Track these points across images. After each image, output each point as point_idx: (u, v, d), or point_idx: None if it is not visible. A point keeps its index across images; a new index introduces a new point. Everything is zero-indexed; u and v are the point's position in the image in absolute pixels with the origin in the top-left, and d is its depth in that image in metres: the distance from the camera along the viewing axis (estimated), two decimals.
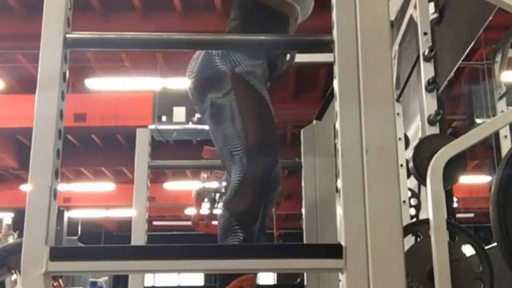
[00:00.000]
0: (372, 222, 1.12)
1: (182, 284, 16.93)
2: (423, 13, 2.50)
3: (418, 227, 1.77)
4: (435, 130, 2.30)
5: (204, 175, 8.21)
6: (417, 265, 1.68)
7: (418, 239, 1.77)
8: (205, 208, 8.17)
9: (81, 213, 15.38)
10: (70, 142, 11.39)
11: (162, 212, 15.21)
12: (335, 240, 1.27)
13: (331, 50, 1.24)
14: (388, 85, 1.20)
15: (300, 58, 2.81)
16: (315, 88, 9.41)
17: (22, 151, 11.54)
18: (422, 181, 1.82)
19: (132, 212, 2.56)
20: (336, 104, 1.21)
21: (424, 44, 2.42)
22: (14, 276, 4.29)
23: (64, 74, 1.22)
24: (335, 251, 1.12)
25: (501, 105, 4.74)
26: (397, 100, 3.01)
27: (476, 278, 1.70)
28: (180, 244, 1.16)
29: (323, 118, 2.60)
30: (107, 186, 13.86)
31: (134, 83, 9.36)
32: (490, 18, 2.18)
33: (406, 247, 1.59)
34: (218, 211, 7.46)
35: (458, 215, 5.53)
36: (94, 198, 14.19)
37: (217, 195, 8.00)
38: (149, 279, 13.85)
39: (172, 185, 13.44)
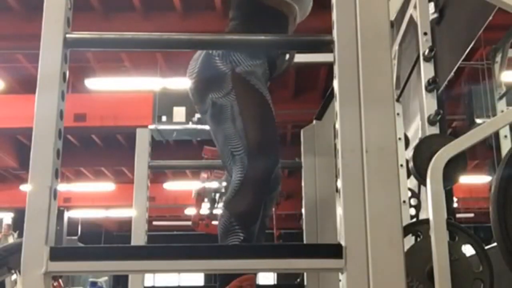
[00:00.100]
0: (372, 222, 1.13)
1: (182, 284, 16.92)
2: (423, 13, 2.50)
3: (418, 227, 1.77)
4: (435, 130, 2.30)
5: (204, 175, 8.21)
6: (417, 265, 1.68)
7: (418, 239, 1.76)
8: (205, 208, 8.17)
9: (81, 213, 15.38)
10: (70, 142, 11.39)
11: (162, 212, 15.21)
12: (335, 240, 1.27)
13: (331, 50, 1.24)
14: (388, 85, 1.20)
15: (300, 58, 2.81)
16: (315, 88, 9.41)
17: (22, 151, 11.54)
18: (422, 181, 1.82)
19: (132, 212, 2.56)
20: (336, 104, 1.21)
21: (424, 44, 2.42)
22: (14, 276, 4.29)
23: (64, 74, 1.22)
24: (335, 251, 1.12)
25: (501, 105, 4.74)
26: (397, 100, 3.01)
27: (476, 278, 1.70)
28: (180, 244, 1.16)
29: (323, 118, 2.60)
30: (107, 186, 13.86)
31: (134, 83, 9.36)
32: (490, 18, 2.18)
33: (406, 247, 1.58)
34: (218, 211, 7.46)
35: (458, 215, 5.54)
36: (94, 198, 14.19)
37: (217, 195, 8.00)
38: (149, 279, 13.85)
39: (172, 185, 13.44)
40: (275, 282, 15.02)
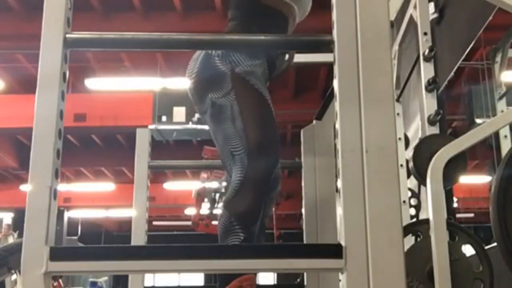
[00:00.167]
0: (372, 222, 1.13)
1: (182, 284, 16.92)
2: (423, 13, 2.50)
3: (418, 227, 1.77)
4: (435, 130, 2.30)
5: (204, 175, 8.21)
6: (417, 265, 1.68)
7: (418, 239, 1.76)
8: (205, 208, 8.17)
9: (81, 213, 15.38)
10: (70, 142, 11.39)
11: (162, 212, 15.21)
12: (335, 240, 1.27)
13: (331, 50, 1.24)
14: (388, 85, 1.20)
15: (300, 58, 2.81)
16: (315, 88, 9.41)
17: (22, 151, 11.54)
18: (422, 181, 1.82)
19: (132, 212, 2.56)
20: (336, 104, 1.21)
21: (424, 44, 2.42)
22: (14, 276, 4.29)
23: (64, 74, 1.22)
24: (335, 251, 1.12)
25: (501, 105, 4.74)
26: (397, 100, 3.01)
27: (476, 278, 1.70)
28: (180, 244, 1.16)
29: (323, 118, 2.60)
30: (107, 186, 13.86)
31: (134, 83, 9.36)
32: (490, 18, 2.18)
33: (406, 247, 1.58)
34: (218, 211, 7.46)
35: (458, 215, 5.54)
36: (94, 198, 14.19)
37: (217, 195, 8.00)
38: (149, 279, 13.85)
39: (172, 185, 13.45)
40: (275, 282, 15.02)
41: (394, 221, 1.13)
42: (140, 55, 8.84)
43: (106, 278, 12.55)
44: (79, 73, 9.07)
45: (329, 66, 1.26)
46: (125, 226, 14.95)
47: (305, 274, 2.63)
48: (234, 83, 2.01)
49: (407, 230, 1.75)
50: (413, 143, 2.71)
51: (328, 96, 2.55)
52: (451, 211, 2.22)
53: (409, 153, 2.17)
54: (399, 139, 2.76)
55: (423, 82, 2.36)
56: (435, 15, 2.66)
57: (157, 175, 12.62)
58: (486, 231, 2.83)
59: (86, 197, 14.24)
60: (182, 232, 16.09)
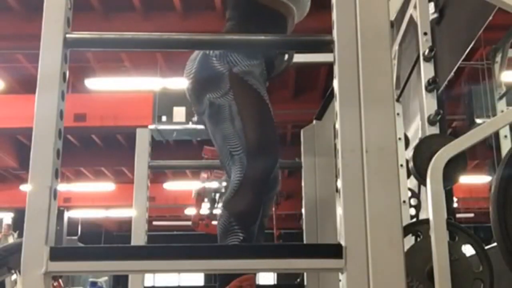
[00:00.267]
0: (372, 222, 1.13)
1: (182, 284, 16.93)
2: (423, 13, 2.50)
3: (418, 227, 1.77)
4: (435, 130, 2.30)
5: (204, 175, 8.22)
6: (417, 265, 1.68)
7: (418, 239, 1.76)
8: (205, 208, 8.17)
9: (81, 213, 15.38)
10: (70, 142, 11.39)
11: (162, 212, 15.22)
12: (335, 240, 1.27)
13: (331, 50, 1.24)
14: (388, 85, 1.20)
15: (300, 58, 2.81)
16: (315, 88, 9.41)
17: (22, 151, 11.54)
18: (422, 181, 1.82)
19: (132, 212, 2.56)
20: (336, 104, 1.21)
21: (424, 44, 2.42)
22: (14, 276, 4.29)
23: (64, 74, 1.22)
24: (335, 251, 1.12)
25: (501, 105, 4.74)
26: (397, 100, 3.01)
27: (476, 278, 1.70)
28: (180, 244, 1.16)
29: (323, 118, 2.60)
30: (107, 186, 13.86)
31: (134, 83, 9.36)
32: (490, 18, 2.18)
33: (406, 247, 1.59)
34: (218, 211, 7.46)
35: (458, 215, 5.54)
36: (94, 198, 14.19)
37: (217, 195, 8.01)
38: (149, 279, 13.85)
39: (172, 185, 13.45)
40: (275, 282, 15.02)
41: (394, 221, 1.13)
42: (140, 55, 8.84)
43: (106, 278, 12.55)
44: (79, 73, 9.07)
45: (329, 66, 1.26)
46: (125, 226, 14.95)
47: (305, 274, 2.64)
48: (232, 83, 2.01)
49: (407, 230, 1.75)
50: (413, 143, 2.71)
51: (328, 96, 2.55)
52: (451, 211, 2.22)
53: (409, 153, 2.17)
54: (399, 139, 2.76)
55: (423, 82, 2.36)
56: (435, 15, 2.66)
57: (157, 175, 12.62)
58: (486, 231, 2.83)
59: (86, 197, 14.24)
60: (182, 232, 16.09)
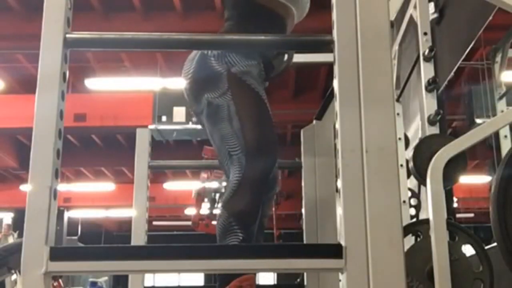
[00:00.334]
0: (372, 222, 1.12)
1: (182, 284, 16.93)
2: (423, 13, 2.50)
3: (418, 227, 1.77)
4: (435, 130, 2.30)
5: (204, 175, 8.22)
6: (417, 265, 1.68)
7: (418, 239, 1.76)
8: (205, 208, 8.18)
9: (81, 213, 15.38)
10: (70, 142, 11.39)
11: (162, 212, 15.22)
12: (335, 240, 1.27)
13: (331, 50, 1.24)
14: (388, 85, 1.20)
15: (300, 58, 2.82)
16: (315, 88, 9.41)
17: (22, 151, 11.54)
18: (422, 181, 1.82)
19: (132, 212, 2.56)
20: (336, 104, 1.21)
21: (424, 44, 2.42)
22: (14, 276, 4.29)
23: (64, 74, 1.22)
24: (335, 251, 1.12)
25: (501, 105, 4.75)
26: (397, 100, 3.01)
27: (476, 278, 1.70)
28: (180, 244, 1.16)
29: (323, 118, 2.60)
30: (107, 186, 13.86)
31: (134, 83, 9.36)
32: (490, 18, 2.18)
33: (406, 247, 1.59)
34: (218, 211, 7.46)
35: (458, 215, 5.54)
36: (94, 198, 14.19)
37: (217, 195, 8.01)
38: (149, 279, 13.85)
39: (172, 185, 13.45)
40: (275, 282, 15.03)
41: (394, 221, 1.13)
42: (140, 55, 8.84)
43: (106, 278, 12.55)
44: (79, 73, 9.07)
45: (329, 66, 1.26)
46: (125, 226, 14.95)
47: (305, 274, 2.64)
48: (230, 83, 2.01)
49: (407, 230, 1.75)
50: (413, 143, 2.71)
51: (328, 96, 2.55)
52: (451, 211, 2.22)
53: (409, 153, 2.17)
54: (399, 139, 2.76)
55: (423, 82, 2.36)
56: (435, 15, 2.66)
57: (157, 175, 12.62)
58: (486, 231, 2.83)
59: (86, 197, 14.24)
60: (182, 232, 16.09)
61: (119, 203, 13.44)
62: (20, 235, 6.22)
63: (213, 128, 2.05)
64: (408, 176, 2.60)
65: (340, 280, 1.21)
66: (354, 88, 1.19)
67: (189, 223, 8.51)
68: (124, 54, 8.76)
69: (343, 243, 1.12)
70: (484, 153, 6.19)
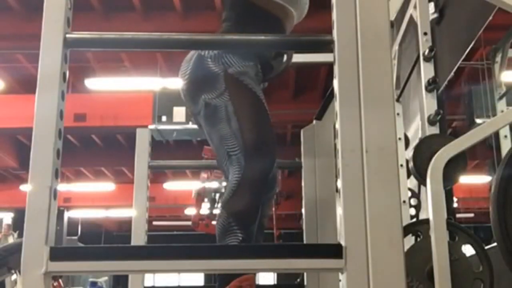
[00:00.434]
0: (372, 222, 1.12)
1: (182, 284, 16.93)
2: (423, 13, 2.50)
3: (418, 227, 1.77)
4: (435, 130, 2.30)
5: (204, 175, 8.22)
6: (417, 265, 1.68)
7: (418, 239, 1.76)
8: (205, 208, 8.18)
9: (81, 213, 15.39)
10: (70, 142, 11.39)
11: (162, 212, 15.22)
12: (335, 240, 1.27)
13: (331, 50, 1.24)
14: (388, 85, 1.20)
15: (300, 58, 2.81)
16: (315, 88, 9.42)
17: (22, 151, 11.54)
18: (422, 181, 1.82)
19: (132, 212, 2.56)
20: (336, 104, 1.21)
21: (424, 44, 2.42)
22: (14, 276, 4.29)
23: (64, 74, 1.22)
24: (335, 251, 1.12)
25: (501, 105, 4.75)
26: (397, 100, 3.01)
27: (476, 278, 1.70)
28: (180, 244, 1.16)
29: (323, 118, 2.60)
30: (107, 186, 13.86)
31: (134, 83, 9.36)
32: (490, 18, 2.18)
33: (406, 247, 1.59)
34: (218, 211, 7.46)
35: (458, 215, 5.54)
36: (94, 198, 14.20)
37: (217, 195, 8.01)
38: (149, 279, 13.85)
39: (172, 185, 13.45)
40: (275, 282, 15.03)
41: (394, 221, 1.13)
42: (140, 55, 8.84)
43: (106, 278, 12.55)
44: (79, 73, 9.07)
45: (329, 66, 1.26)
46: (125, 226, 14.96)
47: (305, 274, 2.64)
48: (228, 84, 2.00)
49: (407, 230, 1.75)
50: (413, 143, 2.71)
51: (328, 96, 2.55)
52: (451, 211, 2.22)
53: (409, 153, 2.17)
54: (399, 139, 2.76)
55: (423, 82, 2.36)
56: (435, 15, 2.66)
57: (157, 175, 12.62)
58: (486, 231, 2.83)
59: (86, 197, 14.25)
60: (182, 232, 16.09)
61: (119, 203, 13.44)
62: (20, 235, 6.22)
63: (211, 129, 2.05)
64: (408, 176, 2.60)
65: (340, 280, 1.21)
66: (354, 88, 1.19)
67: (189, 223, 8.51)
68: (124, 54, 8.76)
69: (343, 243, 1.12)
70: (484, 153, 6.19)
